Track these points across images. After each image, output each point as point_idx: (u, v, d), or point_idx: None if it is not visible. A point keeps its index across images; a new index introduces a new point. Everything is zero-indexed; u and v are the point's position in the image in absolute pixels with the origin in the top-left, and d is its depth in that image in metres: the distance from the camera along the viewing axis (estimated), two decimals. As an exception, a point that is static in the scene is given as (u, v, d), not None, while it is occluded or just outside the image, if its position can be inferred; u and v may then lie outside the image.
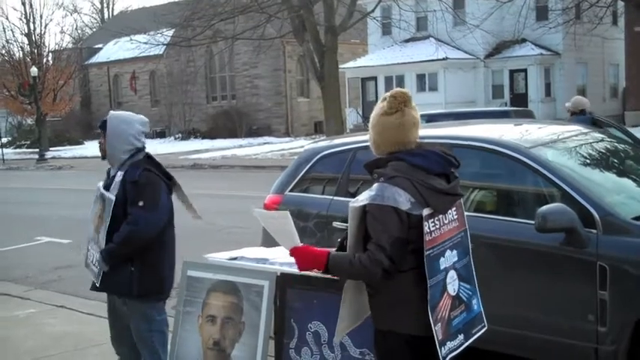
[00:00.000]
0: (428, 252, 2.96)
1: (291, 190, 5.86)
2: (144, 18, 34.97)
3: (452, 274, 3.09)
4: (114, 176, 4.39)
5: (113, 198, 4.28)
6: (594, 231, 4.21)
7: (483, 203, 5.05)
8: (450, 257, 3.10)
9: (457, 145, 5.04)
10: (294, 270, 3.70)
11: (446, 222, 3.08)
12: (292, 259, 3.88)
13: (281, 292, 3.81)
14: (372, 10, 28.46)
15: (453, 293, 3.08)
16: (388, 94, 3.14)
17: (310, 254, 3.11)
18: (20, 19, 45.54)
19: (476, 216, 4.78)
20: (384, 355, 3.12)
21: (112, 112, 4.56)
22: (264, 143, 37.03)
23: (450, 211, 3.11)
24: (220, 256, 4.13)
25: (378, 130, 3.11)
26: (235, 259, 4.07)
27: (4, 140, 43.88)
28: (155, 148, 37.98)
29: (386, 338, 3.08)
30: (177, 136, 44.89)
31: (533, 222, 4.26)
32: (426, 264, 2.96)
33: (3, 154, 36.82)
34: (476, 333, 3.22)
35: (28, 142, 47.53)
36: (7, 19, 68.17)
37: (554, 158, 4.73)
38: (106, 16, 70.49)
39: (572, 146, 5.16)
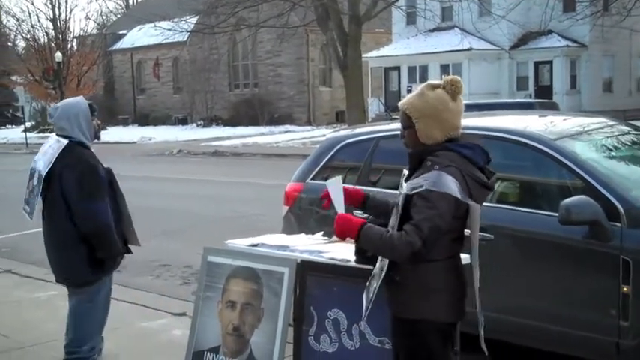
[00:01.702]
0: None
1: (312, 179, 5.85)
2: (168, 4, 35.01)
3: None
4: None
5: None
6: (618, 224, 4.15)
7: (506, 194, 5.00)
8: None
9: (481, 136, 4.99)
10: (315, 257, 3.71)
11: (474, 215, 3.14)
12: (313, 247, 3.89)
13: (301, 279, 3.81)
14: (397, 0, 28.30)
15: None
16: (439, 81, 3.17)
17: (348, 221, 3.14)
18: (46, 5, 45.90)
19: (499, 207, 4.75)
20: (414, 345, 3.11)
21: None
22: (286, 132, 37.04)
23: None
24: (241, 243, 4.14)
25: (436, 117, 3.09)
26: (256, 245, 4.07)
27: (28, 125, 44.26)
28: (177, 135, 38.40)
29: (417, 327, 3.07)
30: (199, 123, 45.05)
31: (556, 214, 4.21)
32: (473, 251, 3.14)
33: (27, 139, 37.16)
34: None
35: (52, 127, 47.93)
36: (32, 4, 68.70)
37: (579, 150, 4.67)
38: (130, 2, 70.77)
39: (597, 139, 5.10)
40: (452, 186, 2.96)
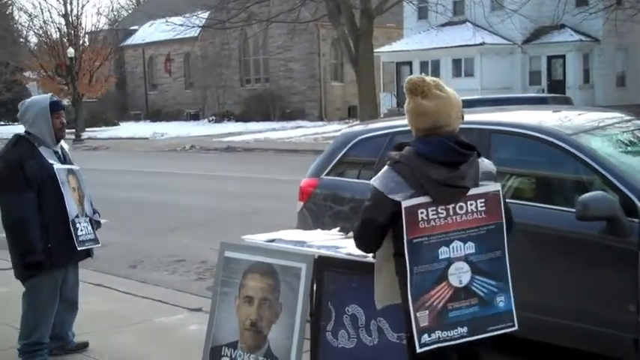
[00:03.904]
0: (413, 239, 2.96)
1: (327, 174, 5.85)
2: (179, 0, 35.07)
3: (460, 265, 3.01)
4: (62, 153, 4.93)
5: (78, 167, 4.99)
6: (636, 220, 4.14)
7: (522, 190, 4.99)
8: (458, 248, 3.01)
9: (496, 131, 4.99)
10: (332, 253, 3.72)
11: (460, 212, 3.01)
12: (330, 242, 3.90)
13: (318, 274, 3.82)
14: (409, -6, 28.21)
15: (458, 285, 3.01)
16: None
17: None
18: (58, 0, 45.97)
19: (514, 203, 4.74)
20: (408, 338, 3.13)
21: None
22: (297, 127, 37.03)
23: (466, 202, 3.02)
24: (257, 238, 4.15)
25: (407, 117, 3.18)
26: (273, 241, 4.09)
27: (42, 120, 44.28)
28: (189, 130, 38.48)
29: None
30: (210, 118, 45.12)
31: (573, 210, 4.20)
32: (408, 250, 2.96)
33: (40, 134, 37.22)
34: (494, 330, 3.08)
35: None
36: (44, 0, 68.81)
37: (596, 145, 4.65)
38: (142, -3, 70.86)
39: (613, 133, 5.08)
40: (386, 182, 3.01)
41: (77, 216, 4.83)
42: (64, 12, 45.26)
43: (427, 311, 2.97)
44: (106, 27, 55.04)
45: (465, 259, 3.03)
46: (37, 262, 4.64)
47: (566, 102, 19.33)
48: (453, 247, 3.01)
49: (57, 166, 4.75)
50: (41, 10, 61.24)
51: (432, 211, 2.97)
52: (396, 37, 39.05)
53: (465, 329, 3.02)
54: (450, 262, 3.01)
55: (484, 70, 33.37)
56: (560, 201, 4.68)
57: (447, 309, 3.00)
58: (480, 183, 3.07)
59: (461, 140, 3.07)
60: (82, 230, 4.85)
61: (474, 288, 3.04)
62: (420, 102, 3.05)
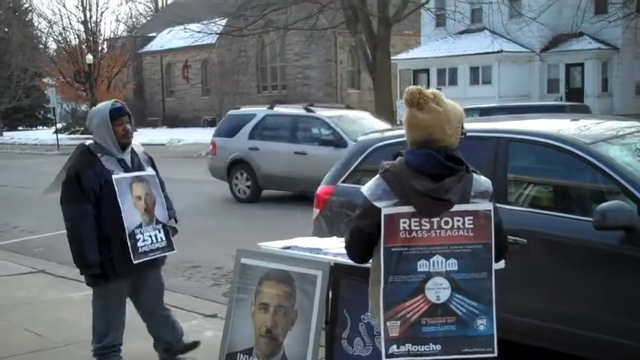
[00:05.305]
0: (391, 248, 2.94)
1: (343, 182, 5.85)
2: (197, 7, 35.33)
3: (439, 280, 2.95)
4: (128, 160, 4.79)
5: (154, 172, 4.89)
6: (655, 230, 4.10)
7: (539, 199, 4.97)
8: (439, 263, 2.95)
9: (514, 140, 4.98)
10: (348, 260, 3.71)
11: (445, 227, 2.96)
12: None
13: (334, 282, 3.81)
14: (427, 2, 28.18)
15: (435, 300, 2.95)
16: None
17: None
18: (77, 7, 46.49)
19: (532, 211, 4.72)
20: None
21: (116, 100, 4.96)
22: (314, 134, 36.98)
23: (452, 217, 2.96)
24: (274, 245, 4.16)
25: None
26: (289, 248, 4.09)
27: (59, 126, 44.82)
28: (205, 136, 38.39)
29: None
30: (227, 124, 45.21)
31: (591, 219, 4.18)
32: (384, 258, 2.95)
33: (58, 140, 37.61)
34: (470, 353, 2.98)
35: (82, 129, 48.48)
36: (64, 6, 69.66)
37: (614, 154, 4.63)
38: (160, 4, 71.38)
39: (632, 142, 5.04)
40: (374, 190, 3.02)
41: (139, 226, 4.70)
42: (83, 19, 45.76)
43: (399, 322, 2.95)
44: (125, 34, 55.50)
45: (446, 275, 2.95)
46: (96, 275, 4.65)
47: (584, 110, 19.24)
48: (433, 262, 2.95)
49: (115, 175, 4.62)
50: (61, 16, 61.88)
51: (415, 222, 2.94)
52: (414, 45, 39.06)
53: (437, 347, 2.95)
54: (428, 276, 2.95)
55: (502, 78, 33.28)
56: (578, 210, 4.65)
57: (420, 323, 2.95)
58: (473, 201, 3.00)
59: (452, 155, 3.00)
60: (144, 240, 4.72)
61: (452, 306, 2.96)
62: (414, 114, 3.01)
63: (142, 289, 4.95)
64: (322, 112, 14.46)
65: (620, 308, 4.28)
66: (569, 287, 4.49)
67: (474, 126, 5.48)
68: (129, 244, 4.62)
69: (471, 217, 2.97)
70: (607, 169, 4.44)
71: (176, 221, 5.07)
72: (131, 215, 4.67)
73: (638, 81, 34.30)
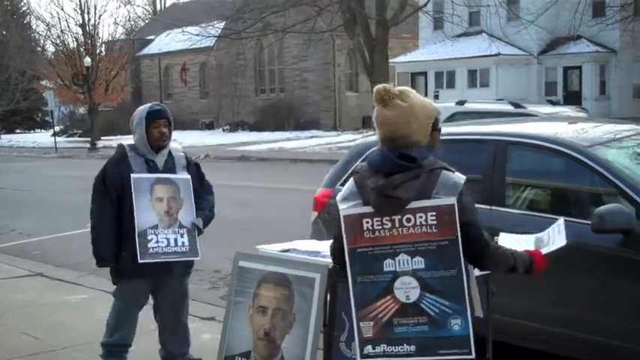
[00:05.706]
0: (357, 248, 2.95)
1: (342, 184, 5.84)
2: (195, 10, 35.35)
3: (407, 280, 2.90)
4: (160, 163, 4.79)
5: (189, 176, 4.86)
6: (653, 233, 4.11)
7: (537, 202, 4.97)
8: (405, 262, 2.90)
9: (512, 143, 4.98)
10: (346, 263, 3.70)
11: (407, 225, 2.90)
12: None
13: (332, 285, 3.80)
14: (425, 5, 28.25)
15: (405, 300, 2.90)
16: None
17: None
18: (75, 10, 46.36)
19: (529, 214, 4.72)
20: None
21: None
22: (312, 137, 37.03)
23: (415, 214, 2.90)
24: (272, 248, 4.15)
25: None
26: (287, 251, 4.08)
27: (57, 129, 44.80)
28: (203, 139, 38.61)
29: None
30: (225, 128, 45.27)
31: (588, 222, 4.18)
32: (349, 259, 2.97)
33: (56, 143, 37.61)
34: (447, 355, 2.90)
35: (80, 132, 48.47)
36: (62, 9, 69.69)
37: (612, 157, 4.63)
38: (158, 7, 71.38)
39: (630, 145, 5.06)
40: (344, 192, 3.06)
41: (155, 227, 4.67)
42: (81, 22, 45.67)
43: (372, 322, 2.94)
44: (123, 37, 55.45)
45: (413, 274, 2.90)
46: (113, 273, 4.77)
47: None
48: (398, 261, 2.90)
49: (135, 175, 4.64)
50: (59, 19, 61.50)
51: (377, 221, 2.92)
52: (412, 48, 39.09)
53: (412, 347, 2.91)
54: (395, 275, 2.91)
55: (500, 80, 33.32)
56: (576, 213, 4.64)
57: (392, 323, 2.93)
58: (435, 197, 2.89)
59: (406, 153, 2.94)
60: (158, 242, 4.68)
61: (423, 306, 2.90)
62: (380, 110, 3.02)
63: (158, 295, 4.93)
64: (534, 108, 13.13)
65: (617, 311, 4.28)
66: (566, 290, 4.49)
67: (473, 129, 5.49)
68: (137, 242, 4.60)
69: (434, 213, 2.87)
70: (605, 172, 4.45)
71: (204, 222, 5.02)
72: (145, 215, 4.64)
73: (635, 84, 34.33)
